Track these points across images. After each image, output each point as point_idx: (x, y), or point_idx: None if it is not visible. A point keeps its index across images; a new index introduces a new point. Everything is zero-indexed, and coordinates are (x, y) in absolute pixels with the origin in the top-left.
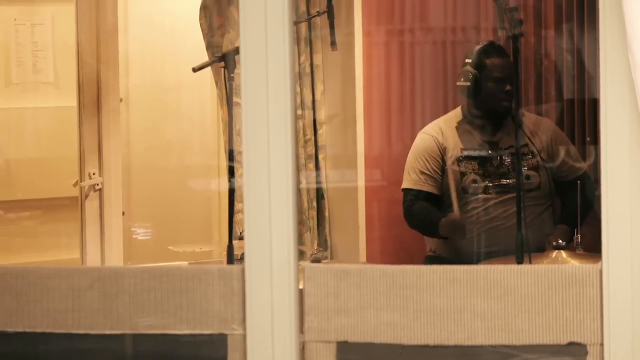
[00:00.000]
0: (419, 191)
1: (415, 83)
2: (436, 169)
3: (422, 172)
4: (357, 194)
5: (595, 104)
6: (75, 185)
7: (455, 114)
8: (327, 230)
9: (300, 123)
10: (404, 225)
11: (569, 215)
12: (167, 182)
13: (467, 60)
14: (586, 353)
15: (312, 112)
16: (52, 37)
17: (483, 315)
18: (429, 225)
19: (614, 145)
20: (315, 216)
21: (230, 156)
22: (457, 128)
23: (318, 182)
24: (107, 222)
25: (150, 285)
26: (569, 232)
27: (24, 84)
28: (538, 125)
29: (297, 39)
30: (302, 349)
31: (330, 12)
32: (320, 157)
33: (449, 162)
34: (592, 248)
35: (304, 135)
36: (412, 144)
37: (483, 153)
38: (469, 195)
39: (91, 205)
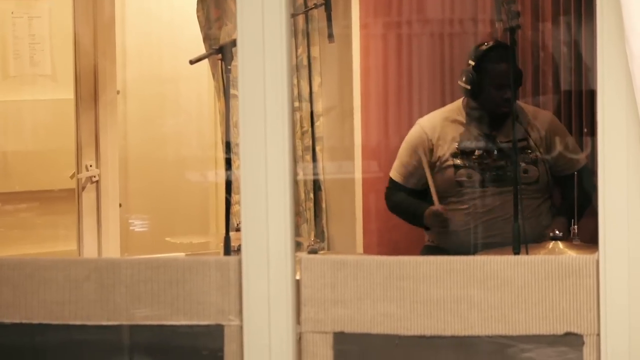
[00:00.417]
0: (399, 184)
1: (413, 75)
2: (418, 164)
3: (405, 167)
4: (354, 186)
5: (592, 95)
6: (72, 177)
7: (457, 106)
8: (324, 221)
9: (298, 115)
10: None
11: (568, 207)
12: (164, 173)
13: (470, 62)
14: (583, 343)
15: (309, 104)
16: (50, 30)
17: (480, 306)
18: (409, 216)
19: (611, 137)
20: (312, 207)
21: (227, 148)
22: (456, 121)
23: (315, 173)
24: (104, 213)
25: (147, 277)
26: (567, 224)
27: (21, 77)
28: (537, 118)
29: (294, 32)
30: (299, 339)
31: (327, 4)
32: (318, 148)
33: (438, 155)
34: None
35: (301, 127)
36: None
37: (479, 146)
38: (464, 188)
39: (88, 197)
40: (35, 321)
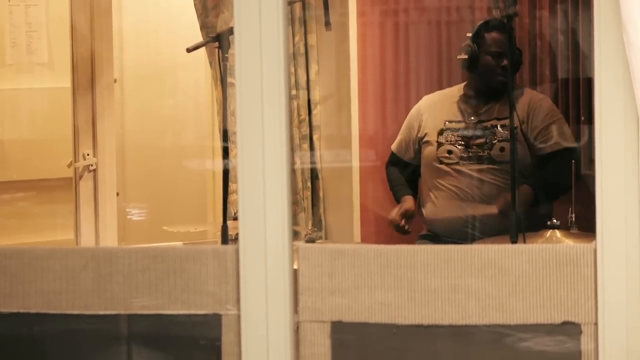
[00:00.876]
0: (396, 155)
1: (410, 63)
2: (411, 139)
3: (400, 139)
4: (351, 174)
5: (589, 83)
6: (69, 166)
7: (458, 88)
8: (321, 210)
9: (295, 103)
10: None
11: (537, 183)
12: (161, 162)
13: (468, 34)
14: (580, 332)
15: (306, 93)
16: (47, 18)
17: (477, 295)
18: (392, 192)
19: (609, 125)
20: (309, 196)
21: (225, 136)
22: (452, 99)
23: (312, 162)
24: (102, 202)
25: (145, 266)
26: (530, 192)
27: (18, 65)
28: (537, 103)
29: (291, 19)
30: (297, 329)
31: None
32: (315, 137)
33: (426, 131)
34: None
35: (299, 115)
36: (405, 121)
37: (464, 124)
38: (445, 165)
39: (85, 186)
40: (33, 310)
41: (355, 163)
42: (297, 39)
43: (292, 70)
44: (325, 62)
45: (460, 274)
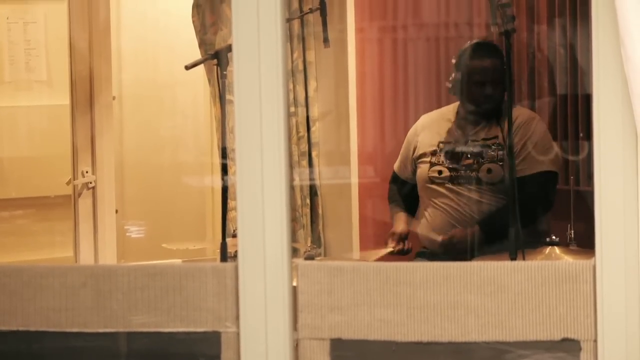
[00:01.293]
0: (395, 173)
1: (408, 79)
2: (408, 159)
3: (400, 159)
4: (350, 191)
5: (588, 98)
6: (68, 183)
7: (454, 106)
8: (320, 227)
9: (293, 120)
10: None
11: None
12: (160, 179)
13: (453, 60)
14: (580, 349)
15: (305, 109)
16: (45, 35)
17: (477, 312)
18: (388, 202)
19: (607, 141)
20: (308, 213)
21: (224, 154)
22: (446, 119)
23: (311, 179)
24: (101, 220)
25: (144, 283)
26: (479, 234)
27: (16, 83)
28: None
29: (289, 36)
30: (296, 346)
31: (322, 9)
32: (314, 154)
33: (420, 151)
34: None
35: (297, 132)
36: (404, 140)
37: (455, 145)
38: (436, 185)
39: (84, 203)
40: (32, 328)
41: (354, 179)
42: (295, 55)
43: (291, 87)
44: (323, 79)
45: (459, 291)
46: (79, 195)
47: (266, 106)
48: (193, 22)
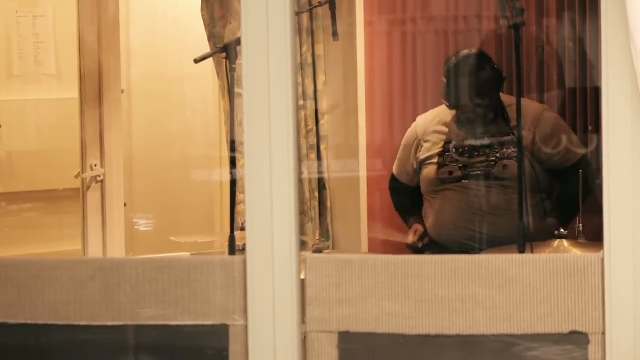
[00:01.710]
0: (395, 178)
1: (417, 73)
2: (408, 163)
3: (399, 163)
4: (359, 184)
5: (597, 92)
6: (77, 177)
7: None
8: (329, 220)
9: (302, 113)
10: None
11: (565, 203)
12: (168, 173)
13: (443, 79)
14: (588, 342)
15: (314, 103)
16: (54, 29)
17: (485, 305)
18: (399, 213)
19: (616, 134)
20: (317, 206)
21: (232, 147)
22: (446, 119)
23: (320, 172)
24: (109, 213)
25: (152, 277)
26: (556, 225)
27: (25, 76)
28: (533, 114)
29: (298, 30)
30: (304, 339)
31: (332, 2)
32: (322, 147)
33: (424, 152)
34: (591, 235)
35: (306, 125)
36: (402, 143)
37: (462, 145)
38: (445, 184)
39: (93, 196)
40: (41, 321)
41: (363, 173)
42: (304, 49)
43: (300, 80)
44: (332, 72)
45: (467, 284)
46: (88, 188)
47: (275, 99)
48: (202, 15)
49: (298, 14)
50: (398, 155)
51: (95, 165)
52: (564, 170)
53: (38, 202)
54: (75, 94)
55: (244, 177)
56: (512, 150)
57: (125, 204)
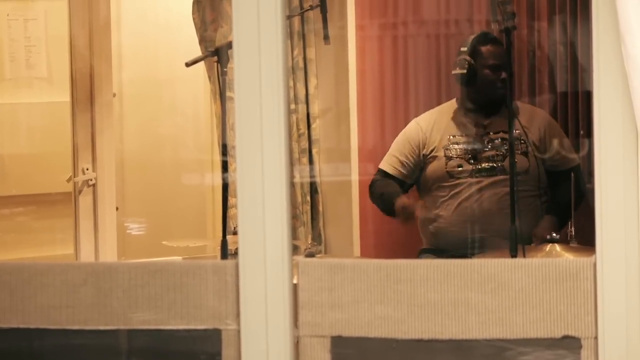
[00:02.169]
0: (387, 173)
1: (409, 76)
2: (410, 156)
3: (396, 157)
4: (351, 188)
5: (588, 96)
6: (68, 180)
7: (451, 104)
8: (321, 224)
9: (294, 117)
10: None
11: (557, 206)
12: (160, 177)
13: (463, 49)
14: (580, 346)
15: (305, 106)
16: (45, 32)
17: (477, 309)
18: (384, 201)
19: (608, 138)
20: (309, 210)
21: (224, 151)
22: (452, 117)
23: (312, 176)
24: (101, 217)
25: (145, 281)
26: (556, 222)
27: (17, 80)
28: (532, 116)
29: (290, 33)
30: (297, 343)
31: (323, 5)
32: (314, 151)
33: (430, 147)
34: (583, 239)
35: (298, 129)
36: (402, 139)
37: (470, 138)
38: (455, 179)
39: (85, 200)
40: (33, 326)
41: (355, 177)
42: (296, 52)
43: (291, 84)
44: (324, 76)
45: (460, 288)
46: (80, 192)
47: (266, 103)
48: (193, 19)
49: (289, 17)
50: (393, 151)
51: (87, 169)
52: (556, 173)
53: (30, 206)
54: (66, 97)
55: (236, 181)
56: (521, 145)
57: (117, 208)
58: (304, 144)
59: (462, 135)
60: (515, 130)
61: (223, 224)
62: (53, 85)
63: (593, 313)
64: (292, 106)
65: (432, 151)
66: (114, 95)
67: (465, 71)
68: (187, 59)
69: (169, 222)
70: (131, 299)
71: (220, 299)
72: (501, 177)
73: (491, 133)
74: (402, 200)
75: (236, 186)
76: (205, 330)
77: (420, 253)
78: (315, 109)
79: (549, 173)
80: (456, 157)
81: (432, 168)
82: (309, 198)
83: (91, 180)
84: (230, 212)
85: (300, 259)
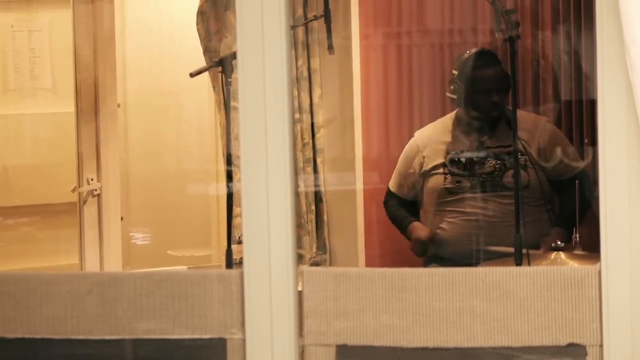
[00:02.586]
0: (393, 193)
1: (413, 85)
2: (409, 175)
3: (398, 176)
4: (355, 197)
5: (593, 105)
6: (73, 191)
7: (451, 116)
8: (325, 233)
9: (298, 127)
10: None
11: (565, 215)
12: (165, 186)
13: (454, 72)
14: (585, 354)
15: (310, 116)
16: (50, 43)
17: (482, 317)
18: (397, 225)
19: (612, 147)
20: (313, 219)
21: (228, 160)
22: (448, 130)
23: (316, 185)
24: (106, 227)
25: (150, 291)
26: (565, 233)
27: (21, 90)
28: (534, 126)
29: (294, 43)
30: (302, 352)
31: (327, 15)
32: (319, 160)
33: (428, 163)
34: (590, 246)
35: (302, 138)
36: (401, 158)
37: (468, 153)
38: (454, 195)
39: (90, 210)
40: (38, 336)
41: (359, 186)
42: (300, 62)
43: (296, 94)
44: (328, 86)
45: (465, 297)
46: (84, 202)
47: (271, 113)
48: (197, 29)
49: (293, 27)
50: (396, 170)
51: (92, 179)
52: (562, 182)
53: (34, 217)
54: (71, 108)
55: (241, 190)
56: (520, 158)
57: (121, 218)
58: (309, 153)
59: (460, 151)
60: (509, 146)
61: (228, 233)
62: (57, 96)
63: (598, 320)
64: (297, 116)
65: (431, 168)
66: (119, 105)
67: (455, 96)
68: (191, 69)
69: (173, 231)
70: (136, 308)
71: (225, 308)
72: (501, 193)
73: (490, 147)
74: (416, 234)
75: (241, 195)
76: (210, 339)
77: (425, 262)
78: (319, 118)
79: (554, 182)
80: (455, 173)
81: (431, 184)
82: (313, 207)
83: (96, 190)
84: (235, 221)
85: (305, 268)
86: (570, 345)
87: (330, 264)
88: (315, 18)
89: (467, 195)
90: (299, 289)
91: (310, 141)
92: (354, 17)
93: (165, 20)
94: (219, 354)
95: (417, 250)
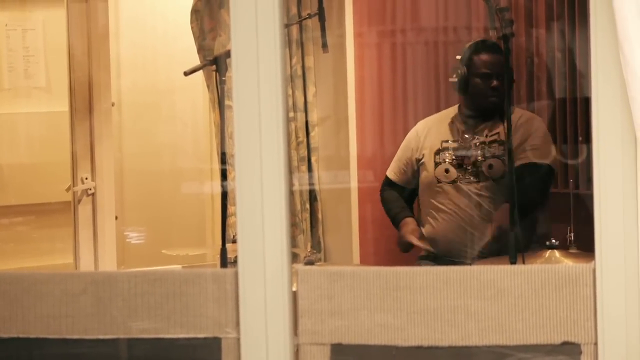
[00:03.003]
0: (391, 181)
1: (407, 83)
2: (408, 162)
3: (397, 163)
4: (350, 196)
5: (587, 102)
6: (68, 190)
7: (453, 109)
8: (320, 232)
9: (293, 125)
10: None
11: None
12: (159, 185)
13: (457, 57)
14: (580, 352)
15: (304, 114)
16: (44, 42)
17: (477, 316)
18: (389, 216)
19: (606, 144)
20: (308, 218)
21: (223, 159)
22: (447, 120)
23: (311, 184)
24: (100, 226)
25: (144, 290)
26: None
27: (15, 90)
28: (526, 122)
29: (288, 42)
30: (297, 351)
31: (321, 14)
32: (313, 159)
33: (424, 152)
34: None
35: (296, 137)
36: (402, 145)
37: (459, 143)
38: (442, 184)
39: (84, 209)
40: (32, 335)
41: (354, 184)
42: (294, 61)
43: (290, 92)
44: (322, 84)
45: (459, 295)
46: (79, 201)
47: (265, 112)
48: (192, 28)
49: (287, 26)
50: (395, 157)
51: (86, 178)
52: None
53: (29, 216)
54: (65, 106)
55: (235, 189)
56: (499, 149)
57: (116, 217)
58: (303, 151)
59: (453, 141)
60: (497, 134)
61: (222, 232)
62: (52, 95)
63: (593, 319)
64: (291, 114)
65: (423, 156)
66: (113, 104)
67: (456, 79)
68: (185, 68)
69: (168, 230)
70: (131, 307)
71: (220, 308)
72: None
73: (479, 138)
74: (403, 231)
75: (235, 194)
76: (205, 338)
77: (418, 260)
78: (314, 116)
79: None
80: (444, 163)
81: (425, 173)
82: (308, 206)
83: (90, 189)
84: (230, 220)
85: (300, 266)
86: (565, 343)
87: (325, 263)
88: (310, 16)
89: (454, 185)
90: (294, 288)
91: (305, 140)
92: (348, 15)
93: (159, 19)
94: (213, 353)
95: (402, 247)
